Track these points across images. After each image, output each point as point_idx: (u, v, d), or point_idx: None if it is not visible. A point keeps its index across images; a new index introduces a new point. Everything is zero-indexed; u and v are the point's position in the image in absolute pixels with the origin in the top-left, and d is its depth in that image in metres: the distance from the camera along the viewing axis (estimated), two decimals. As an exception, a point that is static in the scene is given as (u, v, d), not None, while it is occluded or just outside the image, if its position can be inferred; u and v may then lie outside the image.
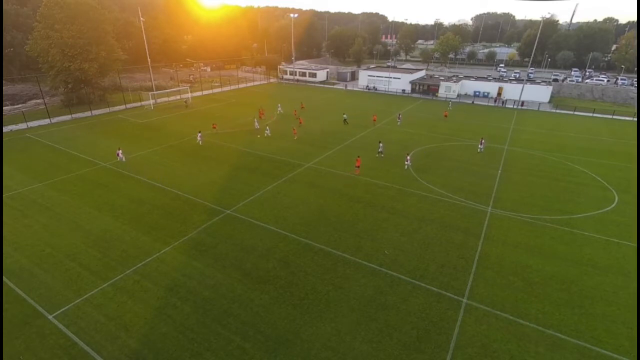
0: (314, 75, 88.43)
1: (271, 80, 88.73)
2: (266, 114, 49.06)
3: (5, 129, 40.87)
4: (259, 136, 39.27)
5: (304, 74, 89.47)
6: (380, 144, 34.92)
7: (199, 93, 66.53)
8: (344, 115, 46.75)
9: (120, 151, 31.72)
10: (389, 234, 21.55)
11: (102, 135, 39.33)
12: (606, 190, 28.21)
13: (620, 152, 37.60)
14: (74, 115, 47.23)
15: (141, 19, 58.89)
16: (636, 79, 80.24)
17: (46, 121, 44.60)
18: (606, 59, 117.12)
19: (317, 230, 21.85)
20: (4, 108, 50.18)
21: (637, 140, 28.85)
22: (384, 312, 15.66)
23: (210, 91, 69.11)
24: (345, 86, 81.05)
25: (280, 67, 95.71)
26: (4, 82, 56.78)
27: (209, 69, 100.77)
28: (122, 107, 52.78)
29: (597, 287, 17.46)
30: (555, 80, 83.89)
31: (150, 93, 55.93)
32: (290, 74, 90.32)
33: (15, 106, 52.69)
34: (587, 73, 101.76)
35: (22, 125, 42.42)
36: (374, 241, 20.80)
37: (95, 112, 49.54)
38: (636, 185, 27.35)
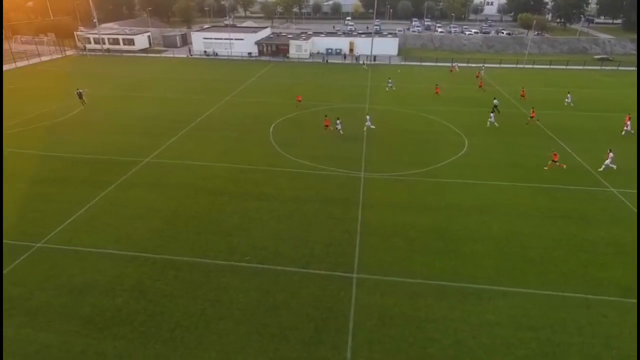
0: (131, 42, 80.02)
1: (68, 53, 76.19)
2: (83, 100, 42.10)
3: None
4: None
5: (116, 41, 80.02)
6: (338, 121, 34.02)
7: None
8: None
9: None
10: (264, 224, 21.90)
11: None
12: (458, 136, 34.94)
13: (461, 97, 46.79)
14: None
15: None
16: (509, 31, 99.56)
17: None
18: (439, 8, 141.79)
19: (175, 240, 20.48)
20: None
21: (636, 131, 35.53)
22: (275, 314, 16.07)
23: (-34, 76, 54.81)
24: (190, 52, 76.03)
25: (79, 34, 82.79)
26: None
27: (-44, 43, 79.34)
28: None
29: (464, 228, 21.81)
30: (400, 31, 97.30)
31: None
32: (96, 43, 79.22)
33: None
34: (426, 23, 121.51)
35: None
36: (248, 237, 20.82)
37: None
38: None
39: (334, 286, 17.55)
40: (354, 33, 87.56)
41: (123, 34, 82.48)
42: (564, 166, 28.56)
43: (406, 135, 35.21)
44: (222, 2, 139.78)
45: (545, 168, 28.58)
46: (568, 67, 68.28)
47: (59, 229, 21.10)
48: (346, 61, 70.86)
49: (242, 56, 74.63)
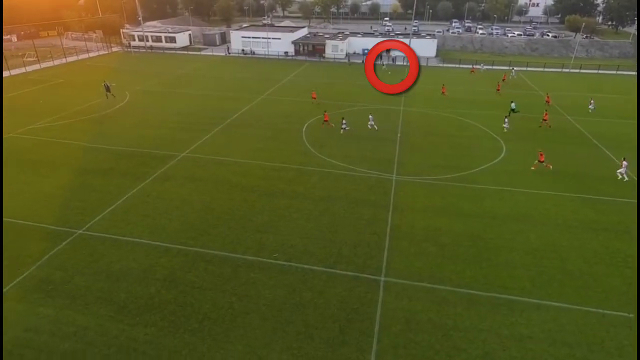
0: (173, 39, 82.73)
1: (114, 50, 79.78)
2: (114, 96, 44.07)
3: None
4: None
5: (159, 39, 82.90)
6: (343, 121, 34.35)
7: (4, 73, 55.77)
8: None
9: None
10: (294, 222, 22.10)
11: None
12: (495, 141, 33.90)
13: (500, 101, 45.29)
14: None
15: None
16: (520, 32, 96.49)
17: None
18: (481, 9, 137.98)
19: (207, 233, 21.04)
20: None
21: (637, 130, 34.58)
22: (300, 312, 16.20)
23: (22, 69, 58.57)
24: (228, 50, 77.88)
25: (125, 31, 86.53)
26: None
27: (14, 38, 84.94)
28: None
29: (499, 237, 21.14)
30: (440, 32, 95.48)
31: None
32: (140, 40, 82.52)
33: None
34: (466, 24, 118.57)
35: None
36: (277, 234, 21.08)
37: None
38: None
39: (360, 288, 17.48)
40: (391, 34, 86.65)
41: (165, 32, 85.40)
42: (550, 166, 28.28)
43: (441, 138, 34.53)
44: (262, 2, 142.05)
45: (532, 168, 28.55)
46: (619, 72, 64.71)
47: (99, 218, 22.16)
48: (382, 62, 70.24)
49: (278, 55, 75.56)
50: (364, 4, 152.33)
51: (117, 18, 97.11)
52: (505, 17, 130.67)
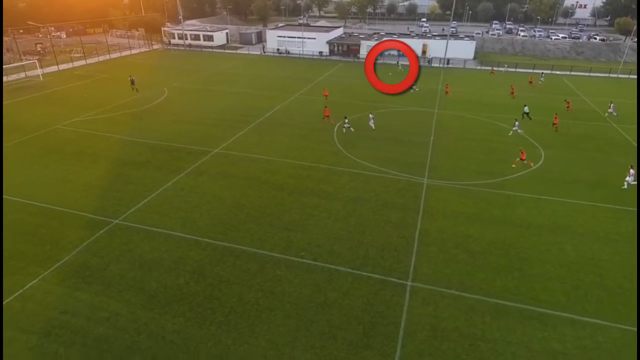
0: (211, 38, 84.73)
1: (155, 47, 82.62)
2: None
3: None
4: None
5: (197, 37, 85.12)
6: (346, 120, 34.76)
7: (53, 68, 58.99)
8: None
9: None
10: (321, 222, 22.16)
11: None
12: (533, 147, 32.68)
13: (542, 106, 43.63)
14: None
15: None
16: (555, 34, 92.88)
17: None
18: (523, 10, 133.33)
19: (236, 229, 21.45)
20: None
21: (637, 133, 33.50)
22: (324, 312, 16.23)
23: (69, 65, 61.73)
24: (263, 49, 79.10)
25: (165, 29, 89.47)
26: None
27: (64, 35, 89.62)
28: None
29: (533, 247, 20.39)
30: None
31: (-24, 72, 47.76)
32: (180, 38, 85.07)
33: None
34: (507, 26, 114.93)
35: None
36: (305, 233, 21.20)
37: None
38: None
39: (386, 291, 17.32)
40: (427, 35, 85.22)
41: (203, 31, 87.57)
42: (532, 164, 28.86)
43: (475, 142, 33.64)
44: (298, 2, 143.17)
45: (513, 165, 28.88)
46: (672, 78, 60.78)
47: (134, 209, 23.03)
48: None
49: (312, 55, 75.92)
50: (400, 4, 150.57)
51: (158, 17, 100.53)
52: (550, 19, 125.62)
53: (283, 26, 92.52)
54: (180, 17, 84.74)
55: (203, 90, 49.43)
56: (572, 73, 62.53)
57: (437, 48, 72.12)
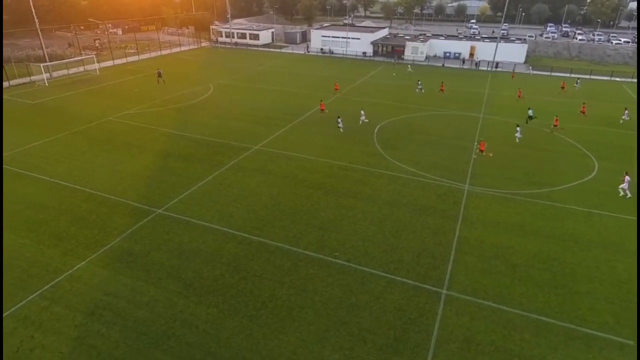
0: (257, 37, 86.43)
1: (203, 45, 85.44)
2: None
3: None
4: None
5: (243, 36, 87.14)
6: (339, 119, 35.21)
7: (109, 62, 62.45)
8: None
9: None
10: (357, 224, 22.05)
11: (-20, 122, 35.72)
12: (585, 158, 30.89)
13: (597, 115, 41.14)
14: None
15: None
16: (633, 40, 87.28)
17: None
18: (582, 13, 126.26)
19: (271, 225, 21.79)
20: None
21: (637, 132, 31.70)
22: (355, 314, 16.15)
23: (124, 60, 65.15)
24: (307, 48, 79.94)
25: (214, 27, 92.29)
26: None
27: (120, 32, 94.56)
28: (4, 84, 48.12)
29: (580, 263, 19.28)
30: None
31: (42, 65, 51.32)
32: (227, 36, 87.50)
33: None
34: (563, 29, 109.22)
35: None
36: (339, 233, 21.19)
37: (-33, 92, 44.78)
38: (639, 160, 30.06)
39: (420, 298, 16.98)
40: (476, 37, 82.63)
41: (250, 29, 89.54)
42: (491, 154, 29.93)
43: (522, 150, 32.22)
44: (344, 2, 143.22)
45: (474, 156, 30.15)
46: None
47: (176, 200, 23.95)
48: (464, 66, 67.32)
49: (356, 55, 75.67)
50: (449, 5, 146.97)
51: (208, 15, 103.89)
52: (611, 22, 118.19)
53: (328, 26, 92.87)
54: (229, 15, 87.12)
55: (247, 87, 50.59)
56: (634, 80, 58.42)
57: (485, 50, 69.83)
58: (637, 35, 71.41)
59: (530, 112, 37.98)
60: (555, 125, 36.06)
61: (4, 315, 15.74)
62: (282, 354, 14.41)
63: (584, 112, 40.60)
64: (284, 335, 15.15)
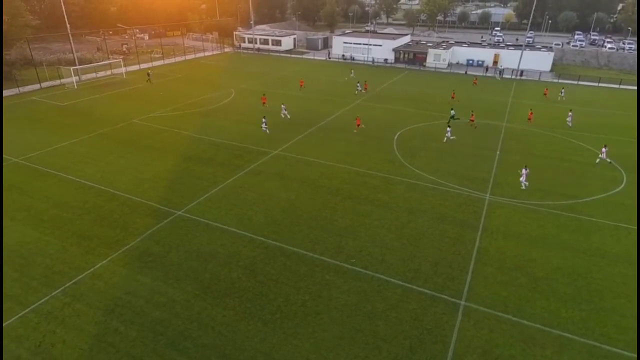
0: (279, 43, 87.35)
1: (226, 50, 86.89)
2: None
3: None
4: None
5: (266, 42, 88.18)
6: (264, 120, 35.09)
7: (135, 67, 64.15)
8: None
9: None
10: (374, 231, 21.92)
11: (11, 123, 37.19)
12: (613, 170, 29.93)
13: (628, 125, 39.86)
14: (-28, 99, 44.31)
15: (55, -27, 55.63)
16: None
17: None
18: (612, 21, 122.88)
19: (288, 230, 21.86)
20: None
21: (637, 134, 30.96)
22: (370, 322, 16.00)
23: (149, 64, 66.78)
24: (329, 55, 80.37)
25: (237, 33, 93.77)
26: None
27: (146, 37, 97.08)
28: (36, 86, 50.03)
29: (606, 278, 18.63)
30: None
31: (72, 68, 53.23)
32: (249, 42, 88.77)
33: None
34: (592, 37, 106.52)
35: None
36: (356, 240, 21.09)
37: None
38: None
39: (437, 308, 16.71)
40: (500, 44, 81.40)
41: (272, 35, 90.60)
42: (363, 126, 35.39)
43: (546, 160, 31.48)
44: (366, 8, 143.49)
45: (355, 131, 34.53)
46: None
47: (195, 202, 24.31)
48: (487, 74, 66.35)
49: (377, 62, 75.55)
50: (473, 12, 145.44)
51: (231, 21, 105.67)
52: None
53: (350, 32, 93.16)
54: (252, 21, 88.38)
55: (268, 92, 50.99)
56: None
57: (510, 58, 68.61)
58: (637, 35, 69.20)
59: (452, 113, 39.46)
60: (471, 121, 38.80)
61: (27, 309, 16.26)
62: (296, 359, 14.38)
63: (530, 119, 40.46)
64: (298, 340, 15.12)
